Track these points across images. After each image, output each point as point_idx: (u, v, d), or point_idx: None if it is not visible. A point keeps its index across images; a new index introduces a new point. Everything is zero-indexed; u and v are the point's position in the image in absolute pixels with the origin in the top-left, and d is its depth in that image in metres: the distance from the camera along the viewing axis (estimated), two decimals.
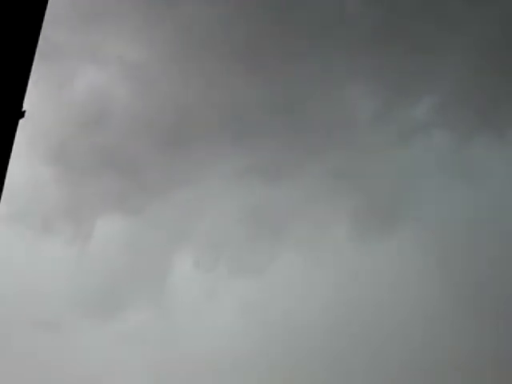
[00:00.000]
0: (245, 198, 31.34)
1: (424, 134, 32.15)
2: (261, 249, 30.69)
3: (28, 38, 11.56)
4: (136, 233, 31.02)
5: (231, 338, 27.88)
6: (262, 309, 29.26)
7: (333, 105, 31.94)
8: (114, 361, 27.04)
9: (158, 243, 31.16)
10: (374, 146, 32.28)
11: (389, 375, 26.85)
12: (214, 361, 26.82)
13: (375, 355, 27.64)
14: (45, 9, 12.20)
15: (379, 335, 28.21)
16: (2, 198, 11.10)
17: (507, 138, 31.14)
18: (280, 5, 29.93)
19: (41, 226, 29.66)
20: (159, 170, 31.58)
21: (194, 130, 31.49)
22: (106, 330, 27.63)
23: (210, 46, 30.10)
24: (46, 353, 26.69)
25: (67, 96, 29.96)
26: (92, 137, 30.45)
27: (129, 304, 29.17)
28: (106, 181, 30.84)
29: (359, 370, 27.31)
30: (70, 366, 26.65)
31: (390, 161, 32.37)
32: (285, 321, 28.73)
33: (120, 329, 27.72)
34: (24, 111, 12.07)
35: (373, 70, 31.66)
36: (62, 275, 28.92)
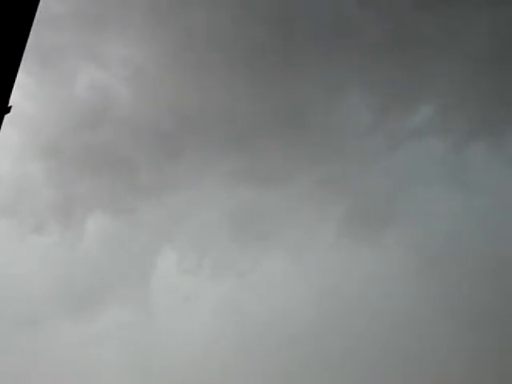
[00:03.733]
0: (235, 202, 31.53)
1: (420, 141, 32.41)
2: (247, 252, 30.88)
3: (16, 36, 11.68)
4: (124, 233, 31.18)
5: (212, 338, 28.00)
6: (243, 309, 29.36)
7: (330, 113, 32.15)
8: (94, 359, 27.09)
9: (146, 244, 31.33)
10: (369, 153, 32.51)
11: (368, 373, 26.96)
12: (195, 360, 26.91)
13: (358, 353, 27.74)
14: (36, 8, 12.31)
15: (362, 336, 28.34)
16: None
17: (504, 144, 31.31)
18: (283, 15, 30.17)
19: (29, 222, 29.76)
20: (153, 171, 31.72)
21: (190, 134, 31.65)
22: (88, 328, 27.72)
23: (212, 50, 30.30)
24: (26, 350, 26.71)
25: (68, 95, 30.10)
26: (89, 136, 30.56)
27: (112, 303, 29.29)
28: (99, 180, 30.95)
29: (341, 369, 27.40)
30: (50, 363, 26.68)
31: (386, 168, 32.59)
32: (267, 321, 28.82)
33: (102, 327, 27.84)
34: (10, 107, 12.19)
35: (371, 78, 31.91)
36: (47, 273, 29.02)
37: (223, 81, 30.74)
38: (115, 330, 27.94)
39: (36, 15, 12.25)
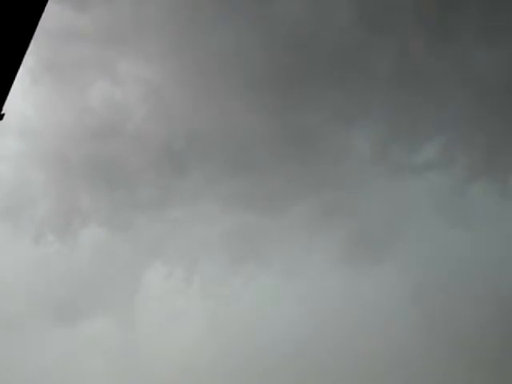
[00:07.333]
0: (232, 224, 31.66)
1: (422, 174, 32.55)
2: (239, 272, 30.90)
3: (14, 42, 11.85)
4: (118, 246, 31.35)
5: (193, 354, 27.92)
6: (228, 328, 29.31)
7: (335, 141, 32.39)
8: (76, 367, 27.10)
9: (137, 258, 31.45)
10: (370, 183, 32.70)
11: None
12: (173, 374, 26.85)
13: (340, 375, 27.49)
14: (38, 20, 12.53)
15: (346, 356, 28.16)
16: None
17: (508, 184, 31.28)
18: (295, 42, 30.65)
19: (25, 229, 30.03)
20: (154, 188, 31.97)
21: (196, 154, 31.95)
22: (71, 337, 27.77)
23: (225, 73, 30.76)
24: (7, 357, 26.72)
25: (80, 108, 30.55)
26: (96, 149, 30.94)
27: (97, 314, 29.39)
28: (99, 193, 31.29)
29: None
30: (33, 370, 26.64)
31: (387, 198, 32.74)
32: (251, 340, 28.76)
33: (85, 337, 27.88)
34: (3, 114, 12.35)
35: (378, 111, 32.22)
36: (35, 279, 29.18)
37: (234, 104, 31.15)
38: (98, 340, 28.02)
39: (40, 24, 12.47)
